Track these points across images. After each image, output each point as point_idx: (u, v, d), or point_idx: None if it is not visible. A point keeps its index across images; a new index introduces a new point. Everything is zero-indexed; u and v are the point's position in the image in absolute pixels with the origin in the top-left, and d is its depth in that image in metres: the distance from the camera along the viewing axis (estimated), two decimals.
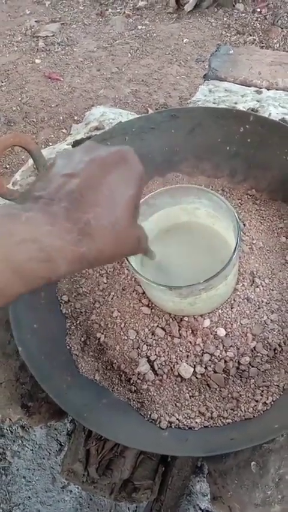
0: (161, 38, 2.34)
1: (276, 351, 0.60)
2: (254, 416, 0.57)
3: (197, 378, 0.60)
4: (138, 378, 0.61)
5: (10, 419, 0.68)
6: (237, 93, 0.98)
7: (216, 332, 0.61)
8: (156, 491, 0.62)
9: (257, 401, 0.57)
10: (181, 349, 0.61)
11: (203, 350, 0.60)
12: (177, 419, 0.58)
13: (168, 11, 2.47)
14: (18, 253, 0.34)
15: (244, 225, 0.70)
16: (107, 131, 0.78)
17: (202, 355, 0.60)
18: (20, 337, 0.62)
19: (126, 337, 0.63)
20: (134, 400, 0.60)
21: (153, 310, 0.64)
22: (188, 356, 0.60)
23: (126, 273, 0.69)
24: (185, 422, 0.58)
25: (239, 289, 0.64)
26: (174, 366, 0.60)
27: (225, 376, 0.59)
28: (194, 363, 0.60)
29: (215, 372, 0.59)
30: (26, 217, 0.35)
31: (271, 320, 0.62)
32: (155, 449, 0.57)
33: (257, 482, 0.56)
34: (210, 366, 0.60)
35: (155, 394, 0.60)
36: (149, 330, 0.63)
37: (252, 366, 0.59)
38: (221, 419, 0.57)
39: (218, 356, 0.60)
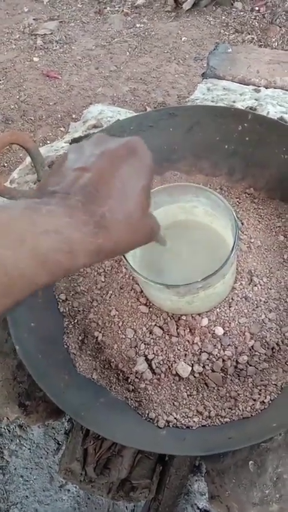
0: (159, 37, 2.33)
1: (274, 350, 0.60)
2: (252, 415, 0.57)
3: (194, 376, 0.60)
4: (136, 377, 0.61)
5: (7, 418, 0.68)
6: (235, 92, 0.98)
7: (214, 331, 0.61)
8: (154, 491, 0.62)
9: (255, 400, 0.57)
10: (179, 348, 0.61)
11: (201, 349, 0.60)
12: (175, 418, 0.58)
13: (167, 10, 2.46)
14: (43, 242, 0.34)
15: (242, 223, 0.70)
16: (105, 129, 0.77)
17: (200, 354, 0.60)
18: (17, 336, 0.61)
19: (124, 336, 0.63)
20: (131, 399, 0.60)
21: (151, 309, 0.64)
22: (185, 355, 0.60)
23: (124, 272, 0.69)
24: (182, 422, 0.58)
25: (237, 288, 0.64)
26: (172, 364, 0.60)
27: (223, 375, 0.59)
28: (192, 362, 0.60)
29: (212, 370, 0.59)
30: (46, 210, 0.35)
31: (269, 319, 0.62)
32: (152, 448, 0.57)
33: (255, 481, 0.56)
34: (208, 365, 0.59)
35: (152, 393, 0.60)
36: (147, 328, 0.63)
37: (250, 365, 0.59)
38: (218, 419, 0.57)
39: (216, 355, 0.60)
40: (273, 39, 2.17)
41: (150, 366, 0.61)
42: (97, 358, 0.64)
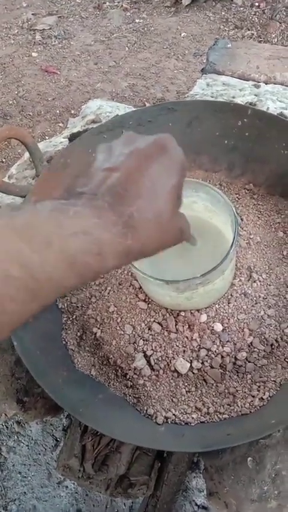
0: (158, 32, 2.32)
1: (273, 346, 0.60)
2: (250, 411, 0.57)
3: (193, 373, 0.59)
4: (135, 373, 0.61)
5: (5, 414, 0.68)
6: (235, 87, 0.97)
7: (213, 327, 0.61)
8: (152, 487, 0.62)
9: (253, 396, 0.57)
10: (178, 344, 0.61)
11: (199, 345, 0.60)
12: (174, 414, 0.58)
13: (166, 5, 2.45)
14: (72, 245, 0.33)
15: (242, 219, 0.70)
16: (104, 124, 0.77)
17: (199, 350, 0.60)
18: (16, 332, 0.61)
19: (122, 332, 0.63)
20: (130, 396, 0.60)
21: (149, 305, 0.64)
22: (184, 351, 0.60)
23: (122, 268, 0.68)
24: (181, 418, 0.57)
25: (236, 284, 0.63)
26: (170, 361, 0.60)
27: (222, 371, 0.59)
28: (191, 358, 0.60)
29: (211, 367, 0.59)
30: (73, 212, 0.35)
31: (268, 315, 0.62)
32: (151, 444, 0.57)
33: (254, 477, 0.56)
34: (206, 361, 0.59)
35: (151, 389, 0.59)
36: (146, 324, 0.63)
37: (249, 361, 0.59)
38: (217, 415, 0.57)
39: (215, 351, 0.59)
40: (273, 35, 2.16)
41: (148, 362, 0.61)
42: (95, 354, 0.64)
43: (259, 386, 0.58)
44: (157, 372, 0.60)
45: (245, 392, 0.58)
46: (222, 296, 0.62)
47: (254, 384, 0.58)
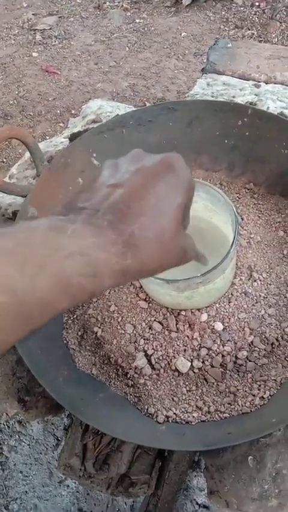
0: (159, 32, 2.33)
1: (273, 346, 0.60)
2: (251, 410, 0.57)
3: (194, 372, 0.60)
4: (135, 372, 0.61)
5: (7, 414, 0.68)
6: (235, 87, 0.97)
7: (213, 326, 0.61)
8: (153, 486, 0.62)
9: (254, 395, 0.57)
10: (178, 343, 0.61)
11: (200, 344, 0.60)
12: (175, 413, 0.58)
13: (166, 5, 2.45)
14: (66, 267, 0.32)
15: (242, 219, 0.70)
16: (104, 124, 0.77)
17: (199, 350, 0.60)
18: None
19: (123, 332, 0.63)
20: (131, 395, 0.60)
21: (150, 304, 0.64)
22: (185, 350, 0.60)
23: None
24: (182, 417, 0.58)
25: (237, 283, 0.63)
26: (171, 360, 0.60)
27: (223, 370, 0.59)
28: (191, 357, 0.60)
29: (212, 366, 0.59)
30: (72, 230, 0.34)
31: (269, 314, 0.62)
32: (152, 443, 0.57)
33: (254, 476, 0.56)
34: (207, 360, 0.59)
35: (152, 388, 0.60)
36: (146, 324, 0.63)
37: (250, 361, 0.59)
38: (218, 414, 0.57)
39: (216, 350, 0.60)
40: (274, 35, 2.16)
41: (149, 361, 0.61)
42: (96, 354, 0.64)
43: (260, 385, 0.58)
44: (158, 371, 0.60)
45: (245, 391, 0.58)
46: (223, 295, 0.63)
47: (254, 383, 0.58)
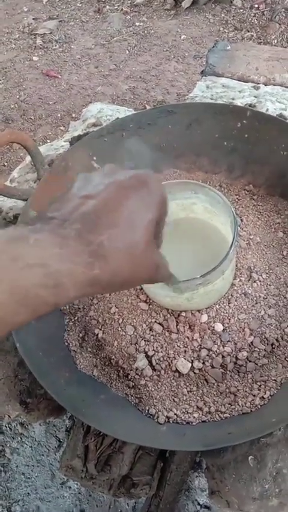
0: (158, 35, 2.34)
1: (273, 346, 0.60)
2: (251, 410, 0.57)
3: (194, 373, 0.60)
4: (136, 374, 0.61)
5: (9, 416, 0.68)
6: (234, 89, 0.98)
7: (213, 327, 0.61)
8: (155, 487, 0.62)
9: (254, 395, 0.57)
10: (179, 344, 0.61)
11: (200, 345, 0.60)
12: (175, 414, 0.58)
13: (166, 8, 2.46)
14: (23, 280, 0.32)
15: (241, 220, 0.70)
16: (104, 127, 0.78)
17: (200, 350, 0.60)
18: (18, 334, 0.62)
19: (124, 333, 0.64)
20: (132, 396, 0.60)
21: (150, 306, 0.64)
22: (185, 351, 0.61)
23: None
24: (182, 417, 0.58)
25: (237, 284, 0.64)
26: (172, 361, 0.60)
27: (223, 371, 0.59)
28: (192, 358, 0.60)
29: (212, 367, 0.59)
30: (34, 240, 0.33)
31: (268, 315, 0.62)
32: (153, 444, 0.58)
33: (255, 476, 0.56)
34: (207, 361, 0.60)
35: (152, 389, 0.60)
36: (147, 325, 0.63)
37: (250, 361, 0.59)
38: (218, 414, 0.57)
39: (216, 351, 0.60)
40: (273, 37, 2.17)
41: (150, 362, 0.61)
42: (97, 355, 0.64)
43: (260, 386, 0.58)
44: (158, 372, 0.61)
45: (245, 391, 0.58)
46: (223, 296, 0.63)
47: (254, 383, 0.58)
